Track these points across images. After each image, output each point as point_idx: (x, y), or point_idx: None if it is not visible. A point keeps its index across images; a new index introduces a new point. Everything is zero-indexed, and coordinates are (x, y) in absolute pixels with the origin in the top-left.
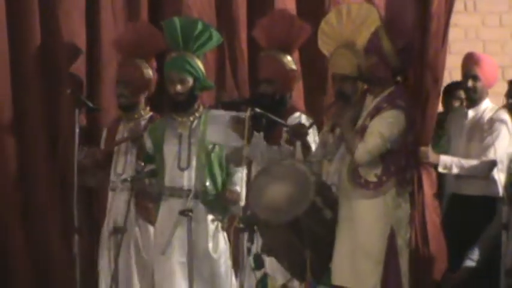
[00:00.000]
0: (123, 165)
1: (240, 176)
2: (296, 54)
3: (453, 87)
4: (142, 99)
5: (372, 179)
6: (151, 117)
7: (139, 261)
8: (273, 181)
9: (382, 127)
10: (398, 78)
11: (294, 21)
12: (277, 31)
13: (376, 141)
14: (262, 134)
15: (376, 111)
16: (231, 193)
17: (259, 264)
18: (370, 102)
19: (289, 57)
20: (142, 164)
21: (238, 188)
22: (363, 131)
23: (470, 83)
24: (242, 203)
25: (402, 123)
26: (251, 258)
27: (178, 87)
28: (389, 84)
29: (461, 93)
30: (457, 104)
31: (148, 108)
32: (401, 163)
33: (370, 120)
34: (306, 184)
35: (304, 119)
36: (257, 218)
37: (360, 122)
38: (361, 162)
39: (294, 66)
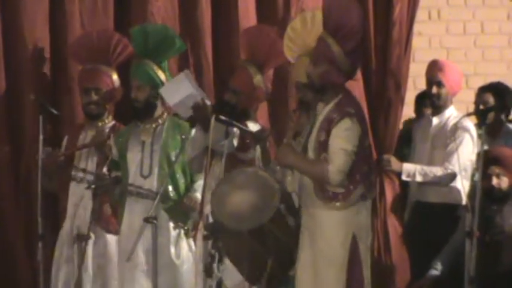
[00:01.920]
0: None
1: (202, 183)
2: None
3: (425, 95)
4: (110, 108)
5: (339, 190)
6: (113, 126)
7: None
8: (237, 189)
9: (342, 143)
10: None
11: (278, 42)
12: (259, 46)
13: (342, 158)
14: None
15: (328, 123)
16: (189, 200)
17: (210, 272)
18: (321, 109)
19: (260, 76)
20: (107, 171)
21: (198, 195)
22: (319, 145)
23: (434, 90)
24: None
25: (358, 129)
26: (214, 265)
27: (136, 94)
28: (338, 90)
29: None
30: (428, 111)
31: (111, 116)
32: (365, 169)
33: (325, 134)
34: (270, 192)
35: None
36: (221, 225)
37: (313, 136)
38: (336, 182)
39: (262, 85)
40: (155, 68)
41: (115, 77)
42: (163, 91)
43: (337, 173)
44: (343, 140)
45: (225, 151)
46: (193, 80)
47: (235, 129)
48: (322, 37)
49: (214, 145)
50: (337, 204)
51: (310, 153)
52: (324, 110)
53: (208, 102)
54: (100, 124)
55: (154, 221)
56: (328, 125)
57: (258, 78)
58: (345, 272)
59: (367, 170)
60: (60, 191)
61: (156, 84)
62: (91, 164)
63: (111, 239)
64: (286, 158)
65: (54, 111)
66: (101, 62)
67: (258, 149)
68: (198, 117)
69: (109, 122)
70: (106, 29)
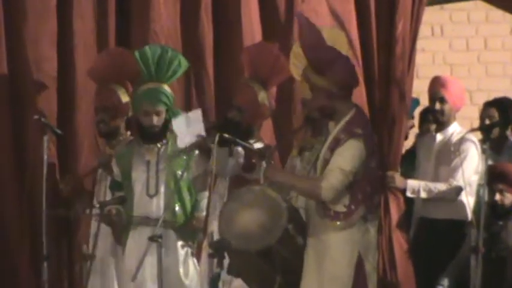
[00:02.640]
0: (104, 193)
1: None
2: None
3: (428, 111)
4: (120, 124)
5: (341, 209)
6: (130, 142)
7: None
8: (244, 208)
9: (342, 162)
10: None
11: (280, 58)
12: (262, 63)
13: (337, 177)
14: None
15: (336, 143)
16: (198, 221)
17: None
18: (333, 128)
19: (264, 93)
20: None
21: (204, 209)
22: (325, 164)
23: (437, 106)
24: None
25: (362, 152)
26: (220, 283)
27: (155, 120)
28: (348, 106)
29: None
30: (433, 127)
31: (128, 133)
32: (368, 190)
33: (331, 153)
34: (278, 211)
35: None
36: (227, 244)
37: (321, 155)
38: (327, 199)
39: (266, 102)
40: (167, 90)
41: (122, 94)
42: (175, 125)
43: (328, 189)
44: (343, 159)
45: (229, 169)
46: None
47: (240, 149)
48: (305, 73)
49: (217, 169)
50: (338, 223)
51: (318, 171)
52: (334, 129)
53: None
54: (115, 142)
55: (159, 240)
56: (335, 145)
57: (262, 95)
58: None
59: (370, 190)
60: (79, 218)
61: (171, 106)
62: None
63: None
64: (274, 176)
65: (58, 131)
66: (111, 81)
67: (263, 165)
68: (199, 149)
69: (124, 140)
70: (117, 47)
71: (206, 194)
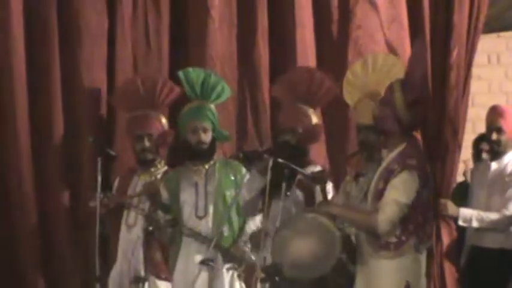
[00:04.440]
0: (135, 218)
1: (252, 226)
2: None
3: (482, 138)
4: (162, 152)
5: (392, 239)
6: (166, 171)
7: None
8: (297, 236)
9: (397, 194)
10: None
11: (315, 77)
12: (298, 88)
13: (394, 210)
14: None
15: (388, 173)
16: (237, 249)
17: None
18: (386, 156)
19: (312, 110)
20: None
21: (246, 247)
22: (377, 194)
23: (494, 136)
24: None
25: (416, 183)
26: None
27: (203, 136)
28: (402, 139)
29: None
30: (485, 156)
31: (163, 161)
32: (419, 220)
33: (384, 183)
34: (332, 240)
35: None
36: (279, 268)
37: (373, 184)
38: (384, 232)
39: (317, 120)
40: (213, 108)
41: (164, 120)
42: None
43: (385, 223)
44: (398, 191)
45: (283, 194)
46: None
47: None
48: (393, 83)
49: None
50: (388, 253)
51: (369, 200)
52: (387, 158)
53: None
54: (152, 169)
55: (211, 263)
56: (388, 175)
57: (312, 112)
58: None
59: (422, 221)
60: (111, 234)
61: (216, 125)
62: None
63: (161, 285)
64: (329, 209)
65: (113, 153)
66: (147, 107)
67: (318, 190)
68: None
69: (161, 168)
70: (150, 74)
71: (251, 225)
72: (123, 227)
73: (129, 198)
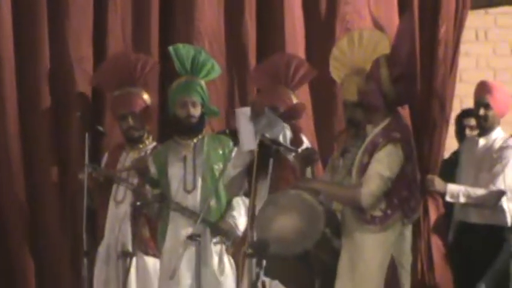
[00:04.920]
0: (123, 193)
1: (240, 201)
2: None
3: (464, 115)
4: (149, 127)
5: (378, 213)
6: (155, 147)
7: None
8: (281, 213)
9: (381, 168)
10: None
11: (291, 62)
12: (276, 73)
13: (377, 183)
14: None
15: (373, 146)
16: (226, 224)
17: None
18: (370, 131)
19: (292, 92)
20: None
21: (235, 214)
22: (361, 168)
23: (482, 111)
24: (241, 227)
25: (400, 157)
26: (259, 284)
27: (192, 110)
28: (387, 114)
29: (471, 121)
30: (468, 132)
31: (151, 137)
32: (404, 194)
33: (368, 157)
34: (315, 215)
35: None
36: (266, 244)
37: (357, 158)
38: (368, 206)
39: (297, 100)
40: (202, 83)
41: (146, 96)
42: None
43: (369, 196)
44: (382, 165)
45: (269, 169)
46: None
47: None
48: (379, 58)
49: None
50: (374, 227)
51: (354, 175)
52: (371, 133)
53: None
54: (141, 146)
55: (198, 239)
56: (373, 148)
57: (294, 97)
58: None
59: (406, 195)
60: (99, 209)
61: (206, 101)
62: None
63: (149, 261)
64: (311, 184)
65: (101, 129)
66: (126, 85)
67: (309, 170)
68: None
69: (150, 144)
70: (122, 51)
71: (239, 200)
72: (112, 203)
73: (118, 172)
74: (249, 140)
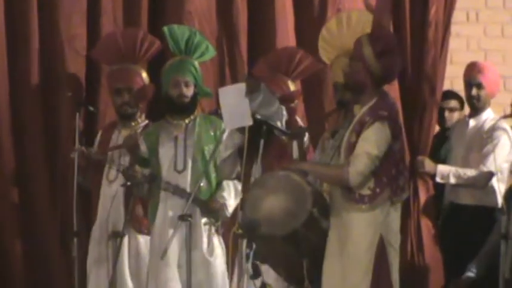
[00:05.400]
0: (116, 173)
1: (231, 183)
2: None
3: (442, 97)
4: (142, 106)
5: (366, 192)
6: (146, 125)
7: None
8: (269, 193)
9: (368, 146)
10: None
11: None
12: (278, 66)
13: (365, 162)
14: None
15: (360, 125)
16: (216, 202)
17: (256, 273)
18: (358, 111)
19: (291, 81)
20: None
21: (225, 194)
22: (349, 147)
23: (474, 91)
24: (230, 209)
25: (388, 135)
26: (249, 265)
27: (184, 90)
28: (374, 93)
29: (450, 103)
30: (447, 114)
31: (143, 115)
32: (392, 172)
33: (356, 136)
34: (303, 195)
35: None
36: (257, 225)
37: (345, 138)
38: (356, 185)
39: (292, 88)
40: (196, 64)
41: (144, 75)
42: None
43: (356, 175)
44: (370, 144)
45: (260, 150)
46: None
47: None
48: (360, 37)
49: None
50: (363, 206)
51: (342, 154)
52: (359, 113)
53: None
54: (133, 124)
55: (189, 219)
56: (360, 128)
57: (292, 84)
58: (372, 275)
59: (395, 173)
60: (92, 189)
61: (199, 81)
62: (123, 164)
63: (143, 239)
64: (299, 165)
65: (91, 108)
66: (128, 61)
67: (295, 146)
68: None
69: (142, 122)
70: (130, 27)
71: (230, 182)
72: (104, 182)
73: (109, 150)
74: (232, 119)
